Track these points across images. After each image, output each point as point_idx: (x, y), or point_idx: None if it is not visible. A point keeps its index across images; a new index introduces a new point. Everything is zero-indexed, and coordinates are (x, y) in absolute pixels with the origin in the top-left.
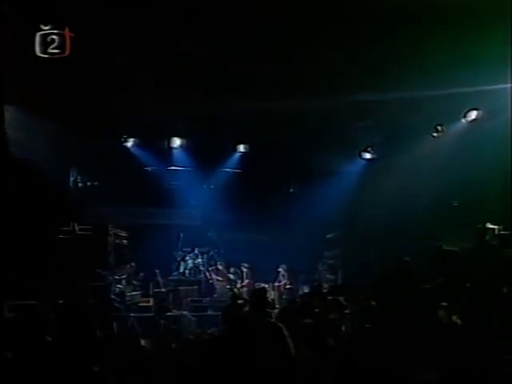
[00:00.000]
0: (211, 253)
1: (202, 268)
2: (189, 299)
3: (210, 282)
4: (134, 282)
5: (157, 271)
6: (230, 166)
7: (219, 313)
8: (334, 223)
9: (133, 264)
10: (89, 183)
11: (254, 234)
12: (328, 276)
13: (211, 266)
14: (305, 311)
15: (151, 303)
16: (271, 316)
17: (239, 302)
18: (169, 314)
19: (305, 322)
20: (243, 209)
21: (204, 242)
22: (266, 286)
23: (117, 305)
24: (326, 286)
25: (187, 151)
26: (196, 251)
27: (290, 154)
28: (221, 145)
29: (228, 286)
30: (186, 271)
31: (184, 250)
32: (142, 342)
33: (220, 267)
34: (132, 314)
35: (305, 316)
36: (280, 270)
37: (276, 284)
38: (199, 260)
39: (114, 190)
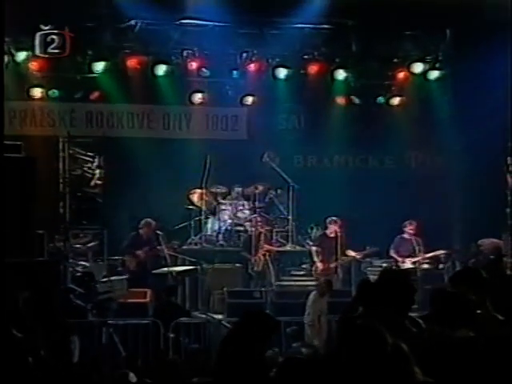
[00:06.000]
0: (269, 196)
1: (249, 228)
2: (224, 290)
3: (267, 254)
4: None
5: (159, 234)
6: (303, 21)
7: (287, 317)
8: None
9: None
10: (22, 51)
11: (356, 162)
12: None
13: (269, 225)
14: (459, 313)
15: (148, 298)
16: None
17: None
18: (184, 319)
19: (459, 336)
20: (330, 110)
21: (254, 176)
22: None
23: (78, 301)
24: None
25: None
26: (237, 192)
27: None
28: None
29: (305, 265)
30: (220, 235)
31: (214, 190)
32: (131, 377)
33: (288, 226)
34: (110, 321)
35: (459, 323)
36: (407, 231)
37: (406, 260)
38: (245, 211)
39: (71, 67)
